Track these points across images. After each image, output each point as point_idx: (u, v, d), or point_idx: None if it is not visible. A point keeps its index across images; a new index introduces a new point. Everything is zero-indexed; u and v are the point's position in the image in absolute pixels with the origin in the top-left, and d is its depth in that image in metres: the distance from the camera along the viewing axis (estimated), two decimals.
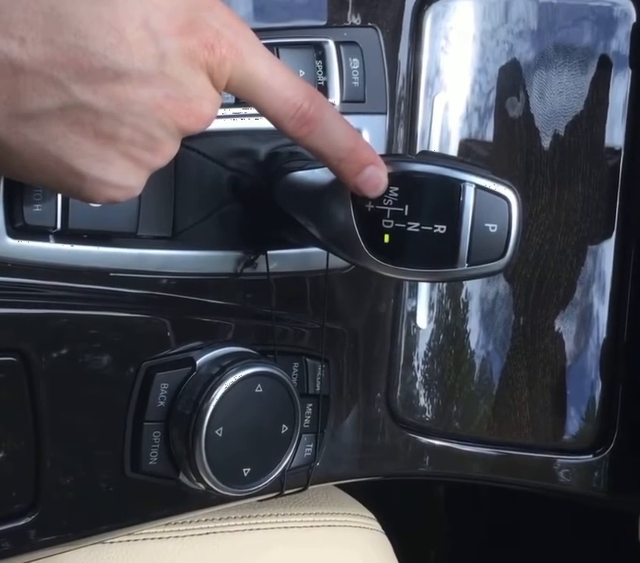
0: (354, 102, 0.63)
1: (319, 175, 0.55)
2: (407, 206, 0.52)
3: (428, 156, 0.58)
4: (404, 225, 0.52)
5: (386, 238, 0.52)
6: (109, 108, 0.44)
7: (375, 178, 0.51)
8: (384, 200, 0.52)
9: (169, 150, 0.47)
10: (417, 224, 0.52)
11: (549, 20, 0.70)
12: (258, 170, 0.60)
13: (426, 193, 0.52)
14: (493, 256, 0.53)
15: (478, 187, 0.52)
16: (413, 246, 0.53)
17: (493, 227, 0.52)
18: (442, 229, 0.52)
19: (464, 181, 0.52)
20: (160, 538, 0.67)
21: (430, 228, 0.52)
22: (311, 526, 0.73)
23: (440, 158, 0.60)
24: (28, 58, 0.42)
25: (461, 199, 0.52)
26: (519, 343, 0.74)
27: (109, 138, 0.45)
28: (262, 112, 0.49)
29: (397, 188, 0.52)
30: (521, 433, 0.74)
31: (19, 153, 0.45)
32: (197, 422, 0.58)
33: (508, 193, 0.52)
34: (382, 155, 0.52)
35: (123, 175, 0.47)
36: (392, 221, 0.52)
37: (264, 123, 0.59)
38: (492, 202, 0.52)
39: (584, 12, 0.71)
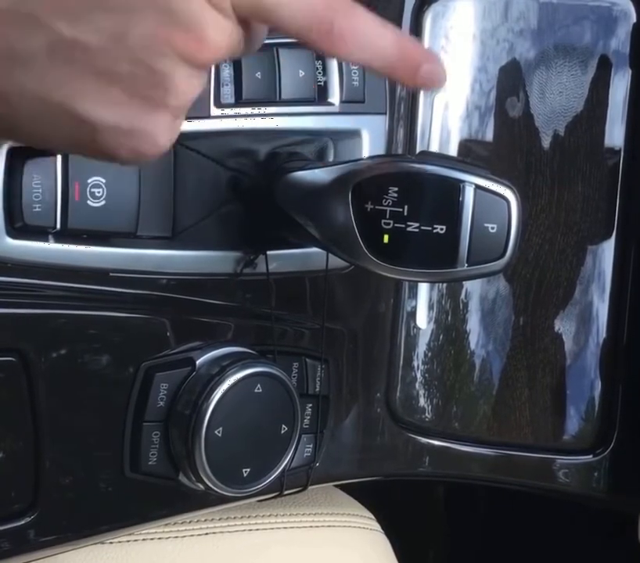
0: (354, 102, 0.63)
1: (319, 175, 0.55)
2: (406, 206, 0.52)
3: (427, 156, 0.58)
4: (403, 225, 0.52)
5: (386, 238, 0.52)
6: (100, 43, 0.41)
7: (434, 75, 0.47)
8: (383, 200, 0.52)
9: (183, 85, 0.43)
10: (416, 225, 0.52)
11: (549, 20, 0.70)
12: (258, 170, 0.60)
13: (425, 193, 0.52)
14: (492, 257, 0.52)
15: (477, 187, 0.52)
16: (412, 246, 0.52)
17: (492, 228, 0.52)
18: (441, 229, 0.52)
19: (463, 181, 0.52)
20: (159, 538, 0.67)
21: (430, 228, 0.52)
22: (311, 526, 0.73)
23: (440, 158, 0.60)
24: None
25: (460, 199, 0.52)
26: (519, 343, 0.73)
27: (109, 76, 0.42)
28: (284, 32, 0.44)
29: (396, 188, 0.52)
30: (521, 433, 0.74)
31: (21, 106, 0.42)
32: (197, 422, 0.58)
33: (507, 193, 0.52)
34: (381, 156, 0.52)
35: (137, 118, 0.43)
36: (391, 221, 0.52)
37: (264, 123, 0.59)
38: (492, 203, 0.52)
39: (584, 12, 0.71)
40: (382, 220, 0.52)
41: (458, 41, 0.70)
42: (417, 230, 0.52)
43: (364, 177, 0.52)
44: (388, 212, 0.52)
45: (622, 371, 0.75)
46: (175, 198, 0.59)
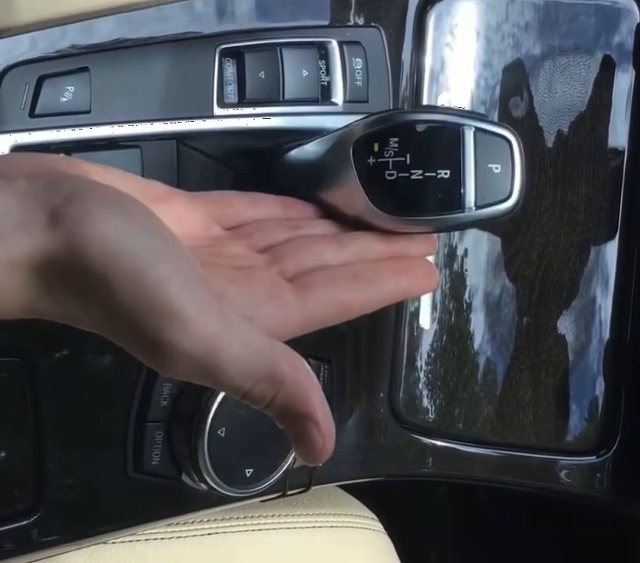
0: (357, 102, 0.63)
1: (318, 144, 0.55)
2: (408, 155, 0.51)
3: (424, 107, 0.58)
4: (407, 174, 0.51)
5: (391, 189, 0.52)
6: None
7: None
8: (385, 152, 0.51)
9: None
10: (420, 172, 0.51)
11: (552, 20, 0.70)
12: (261, 169, 0.60)
13: (425, 140, 0.51)
14: (499, 198, 0.52)
15: (477, 129, 0.51)
16: (419, 194, 0.51)
17: (497, 168, 0.51)
18: (446, 174, 0.51)
19: (462, 125, 0.51)
20: (162, 539, 0.67)
21: (434, 174, 0.51)
22: (314, 527, 0.73)
23: (436, 107, 0.59)
24: None
25: (461, 142, 0.51)
26: (523, 344, 0.73)
27: None
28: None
29: (396, 139, 0.51)
30: (524, 434, 0.74)
31: None
32: (200, 422, 0.58)
33: (507, 134, 0.51)
34: (375, 113, 0.52)
35: None
36: (395, 172, 0.51)
37: (267, 123, 0.59)
38: (493, 143, 0.51)
39: (588, 12, 0.71)
40: (386, 172, 0.51)
41: (462, 42, 0.69)
42: (421, 177, 0.51)
43: (363, 134, 0.52)
44: (391, 163, 0.51)
45: (625, 372, 0.75)
46: None
